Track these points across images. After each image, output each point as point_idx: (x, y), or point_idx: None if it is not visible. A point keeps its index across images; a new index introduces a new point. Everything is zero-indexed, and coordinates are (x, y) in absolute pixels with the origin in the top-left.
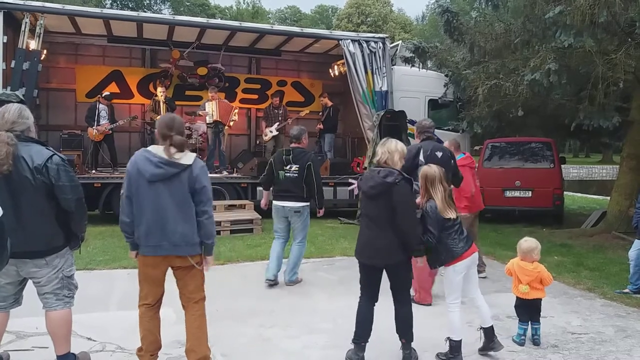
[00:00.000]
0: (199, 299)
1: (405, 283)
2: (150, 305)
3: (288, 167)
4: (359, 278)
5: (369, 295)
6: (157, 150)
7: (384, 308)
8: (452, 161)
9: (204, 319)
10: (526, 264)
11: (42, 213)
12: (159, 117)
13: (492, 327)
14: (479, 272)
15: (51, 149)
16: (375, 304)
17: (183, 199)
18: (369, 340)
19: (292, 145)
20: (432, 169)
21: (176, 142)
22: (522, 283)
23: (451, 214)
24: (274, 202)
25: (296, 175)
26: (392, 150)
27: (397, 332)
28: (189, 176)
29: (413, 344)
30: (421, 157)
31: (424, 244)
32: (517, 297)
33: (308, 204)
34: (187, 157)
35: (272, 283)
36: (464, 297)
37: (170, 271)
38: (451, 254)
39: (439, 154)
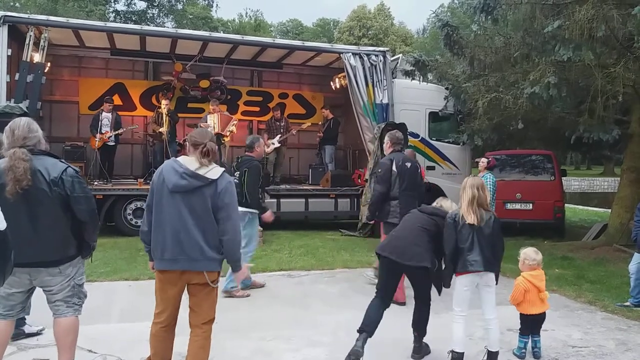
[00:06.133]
0: (208, 320)
1: (429, 286)
2: (164, 326)
3: (235, 174)
4: (361, 289)
5: (382, 297)
6: (185, 161)
7: (388, 324)
8: (419, 171)
9: (209, 341)
10: (533, 272)
11: (58, 224)
12: (161, 128)
13: (497, 352)
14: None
15: (64, 161)
16: (386, 309)
17: (204, 213)
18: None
19: (245, 154)
20: (472, 178)
21: (209, 148)
22: (542, 291)
23: (470, 219)
24: None
25: (237, 181)
26: (447, 207)
27: (412, 326)
28: (213, 191)
29: None
30: (394, 168)
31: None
32: (526, 314)
33: (246, 209)
34: (214, 172)
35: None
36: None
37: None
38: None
39: (408, 165)
